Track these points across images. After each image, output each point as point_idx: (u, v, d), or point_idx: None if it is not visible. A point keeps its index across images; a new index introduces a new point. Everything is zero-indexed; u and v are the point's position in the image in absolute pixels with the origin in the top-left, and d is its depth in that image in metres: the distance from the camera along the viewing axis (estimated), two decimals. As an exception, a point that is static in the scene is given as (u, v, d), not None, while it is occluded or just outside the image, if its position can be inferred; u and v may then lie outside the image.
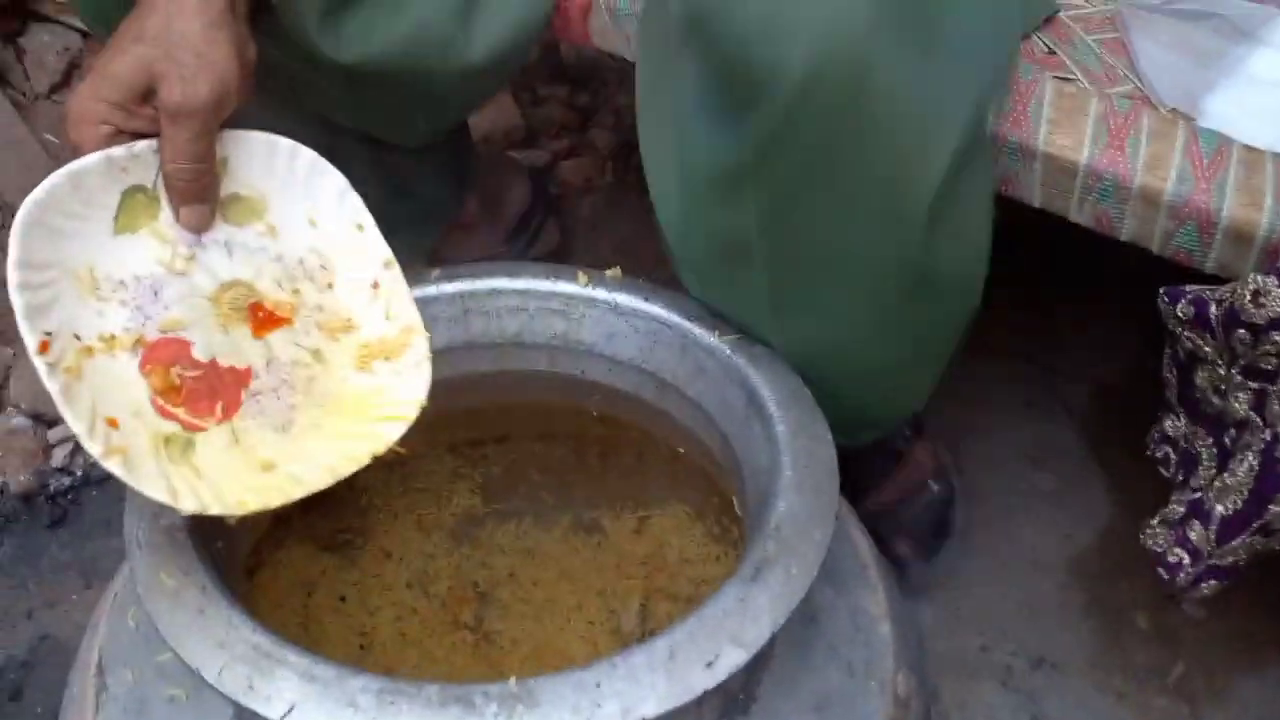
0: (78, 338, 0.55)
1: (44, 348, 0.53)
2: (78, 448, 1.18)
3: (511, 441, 0.90)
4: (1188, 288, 0.65)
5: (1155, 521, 0.72)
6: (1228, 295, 0.61)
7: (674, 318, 0.68)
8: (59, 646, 1.04)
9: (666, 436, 0.75)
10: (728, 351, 0.65)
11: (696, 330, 0.67)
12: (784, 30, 0.50)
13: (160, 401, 0.57)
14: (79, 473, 1.18)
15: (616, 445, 0.87)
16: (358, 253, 0.62)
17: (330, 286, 0.62)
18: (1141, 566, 0.99)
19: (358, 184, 0.62)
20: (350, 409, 0.60)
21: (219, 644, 0.47)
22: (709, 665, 0.47)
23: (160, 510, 0.54)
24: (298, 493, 0.56)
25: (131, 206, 0.57)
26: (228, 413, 0.58)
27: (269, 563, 0.82)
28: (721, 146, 0.56)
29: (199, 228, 0.59)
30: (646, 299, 0.69)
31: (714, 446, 0.69)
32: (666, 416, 0.73)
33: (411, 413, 0.59)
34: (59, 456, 1.17)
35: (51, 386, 0.53)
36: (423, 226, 1.04)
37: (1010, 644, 0.97)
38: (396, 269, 0.62)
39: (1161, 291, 0.67)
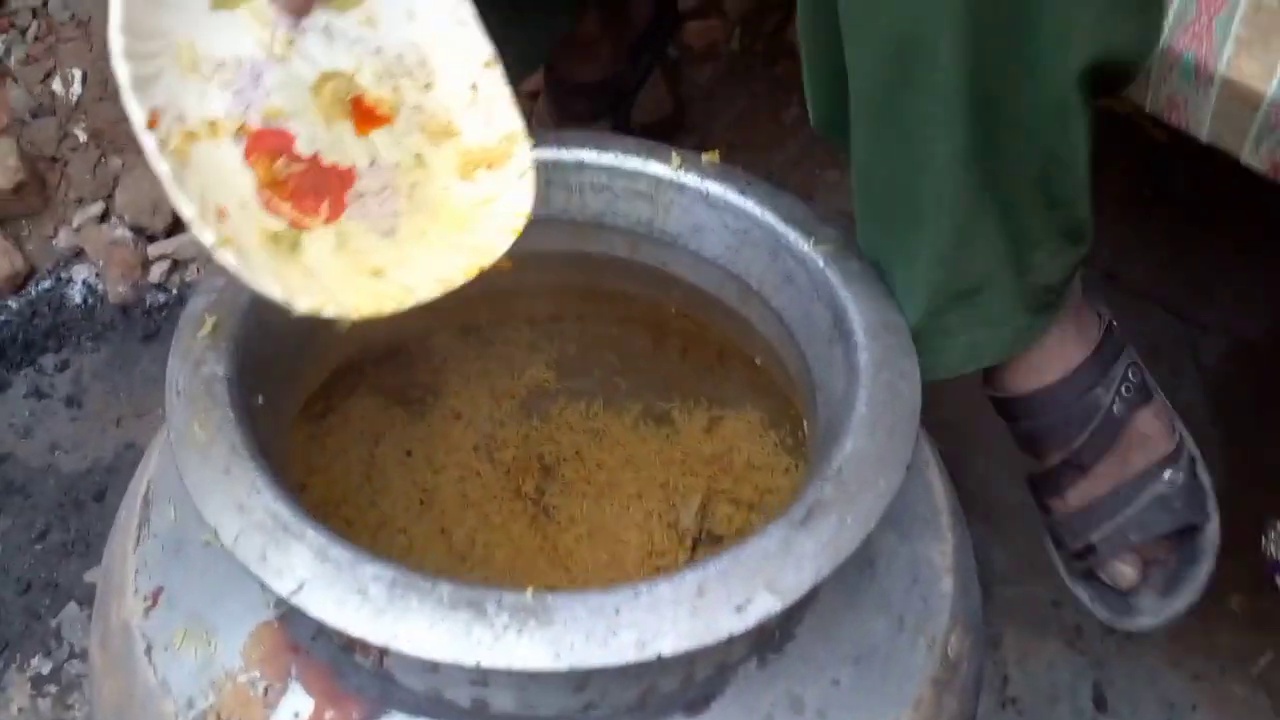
0: (182, 119, 0.51)
1: (153, 122, 0.49)
2: (175, 264, 1.20)
3: (590, 321, 0.87)
4: None
5: None
6: None
7: (767, 217, 0.63)
8: (141, 456, 1.08)
9: (745, 344, 0.70)
10: (820, 263, 0.60)
11: (791, 234, 0.62)
12: None
13: (267, 194, 0.54)
14: (174, 291, 1.19)
15: (698, 340, 0.83)
16: (457, 50, 0.58)
17: (429, 86, 0.58)
18: (1248, 544, 0.92)
19: None
20: (455, 218, 0.57)
21: (239, 507, 0.46)
22: (739, 609, 0.44)
23: (203, 356, 0.52)
24: (410, 301, 0.53)
25: None
26: (334, 212, 0.55)
27: (339, 409, 0.82)
28: None
29: (299, 10, 0.55)
30: (741, 191, 0.64)
31: (791, 364, 0.64)
32: (747, 324, 0.68)
33: (519, 224, 0.56)
34: (156, 273, 1.19)
35: (160, 168, 0.49)
36: (535, 38, 0.96)
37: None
38: (498, 70, 0.58)
39: None
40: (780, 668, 0.52)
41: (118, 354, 1.16)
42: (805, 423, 0.64)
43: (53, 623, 0.96)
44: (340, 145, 0.56)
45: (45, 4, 1.25)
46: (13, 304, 1.18)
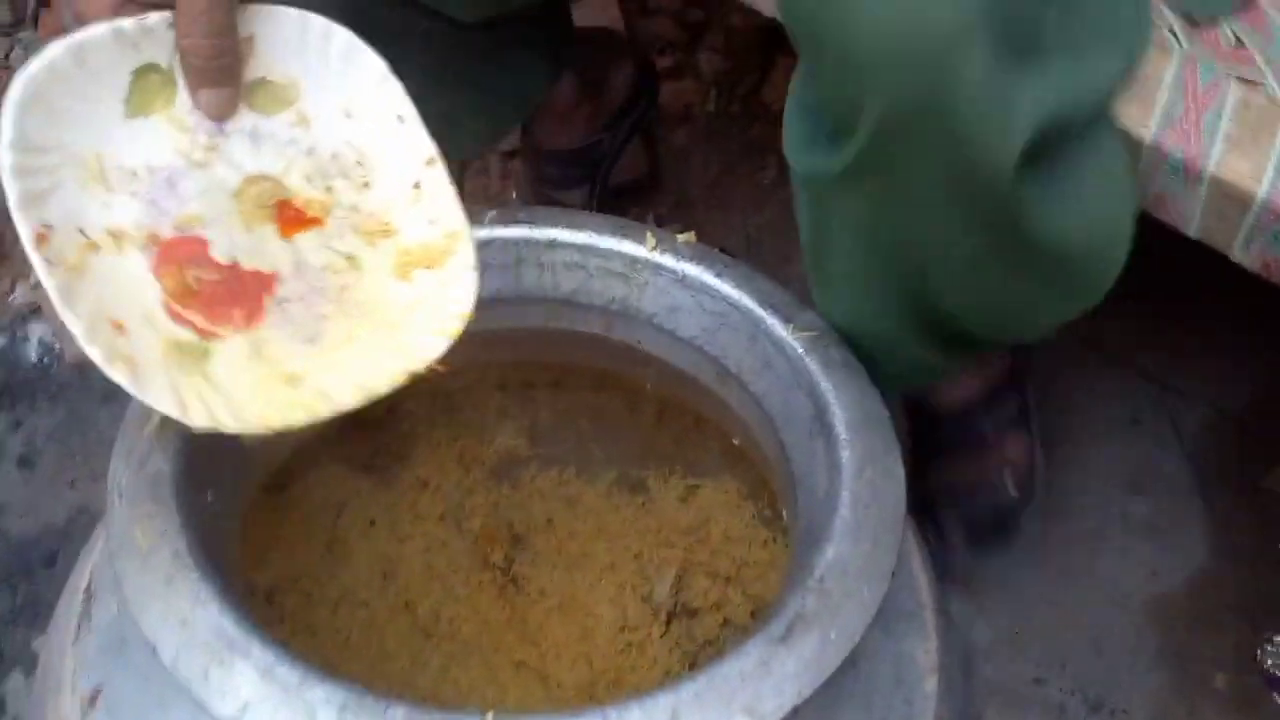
0: (82, 232, 0.49)
1: (41, 240, 0.47)
2: (136, 324, 1.17)
3: (564, 388, 0.85)
4: None
5: (1277, 639, 0.63)
6: None
7: (745, 300, 0.61)
8: (95, 519, 1.04)
9: (723, 424, 0.68)
10: (800, 350, 0.58)
11: (769, 319, 0.60)
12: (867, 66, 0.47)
13: (174, 306, 0.51)
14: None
15: (674, 408, 0.81)
16: (398, 148, 0.55)
17: (367, 185, 0.56)
18: (1230, 621, 0.91)
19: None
20: (388, 321, 0.54)
21: (181, 622, 0.43)
22: (714, 736, 0.41)
23: (149, 454, 0.49)
24: (325, 411, 0.51)
25: (144, 88, 0.51)
26: (250, 320, 0.53)
27: (300, 479, 0.79)
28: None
29: (221, 115, 0.52)
30: (718, 274, 0.62)
31: (770, 451, 0.62)
32: (725, 405, 0.66)
33: (456, 327, 0.53)
34: (117, 330, 1.16)
35: (49, 283, 0.47)
36: (506, 108, 0.95)
37: (1069, 681, 0.90)
38: (440, 167, 0.55)
39: None
40: (758, 781, 0.49)
41: (73, 415, 1.13)
42: (784, 511, 0.62)
43: (-3, 693, 0.93)
44: (261, 250, 0.54)
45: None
46: (-34, 361, 1.15)
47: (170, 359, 0.50)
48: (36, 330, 1.16)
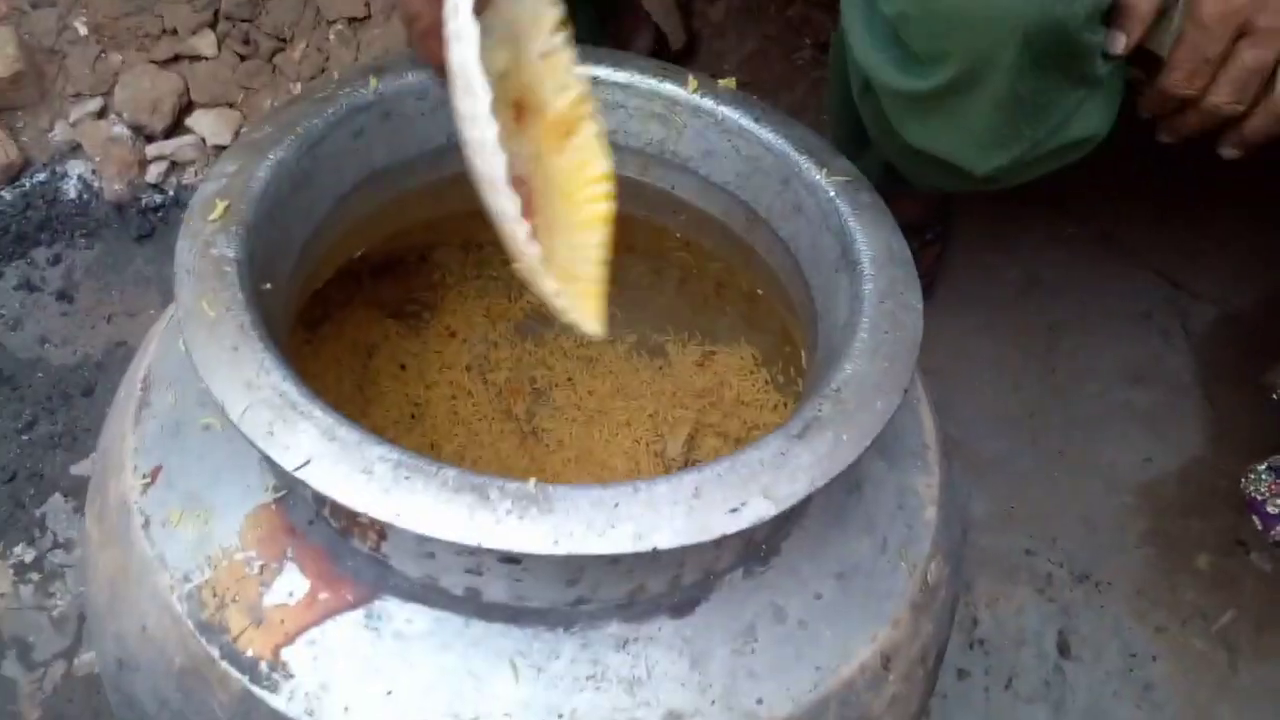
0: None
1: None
2: (173, 166, 1.19)
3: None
4: None
5: (1261, 467, 0.67)
6: None
7: (781, 144, 0.63)
8: (132, 354, 1.07)
9: (747, 274, 0.71)
10: (831, 193, 0.60)
11: (804, 163, 0.62)
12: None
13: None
14: (171, 192, 1.19)
15: (696, 275, 0.83)
16: (534, 20, 0.57)
17: (520, 63, 0.58)
18: (1217, 508, 0.94)
19: None
20: (565, 197, 0.57)
21: (247, 384, 0.46)
22: (733, 511, 0.45)
23: (213, 239, 0.52)
24: (603, 289, 0.55)
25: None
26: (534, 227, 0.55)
27: (334, 319, 0.82)
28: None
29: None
30: (756, 119, 0.64)
31: (794, 293, 0.64)
32: (751, 253, 0.68)
33: (610, 185, 0.56)
34: (154, 173, 1.18)
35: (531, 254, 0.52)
36: None
37: (1057, 554, 0.94)
38: (565, 33, 0.57)
39: None
40: (765, 579, 0.53)
41: (111, 252, 1.15)
42: (803, 352, 0.65)
43: (37, 513, 0.97)
44: (521, 156, 0.56)
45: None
46: (6, 195, 1.17)
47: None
48: (76, 168, 1.18)
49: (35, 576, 0.93)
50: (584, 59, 0.67)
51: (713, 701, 0.50)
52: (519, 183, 0.54)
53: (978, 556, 0.93)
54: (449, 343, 0.88)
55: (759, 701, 0.51)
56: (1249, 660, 0.90)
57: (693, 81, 0.65)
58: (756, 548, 0.54)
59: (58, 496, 0.98)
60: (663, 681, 0.50)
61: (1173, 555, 0.94)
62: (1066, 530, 0.95)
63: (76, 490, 0.99)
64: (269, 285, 0.54)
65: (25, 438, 1.02)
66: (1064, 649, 0.90)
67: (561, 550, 0.43)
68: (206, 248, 0.51)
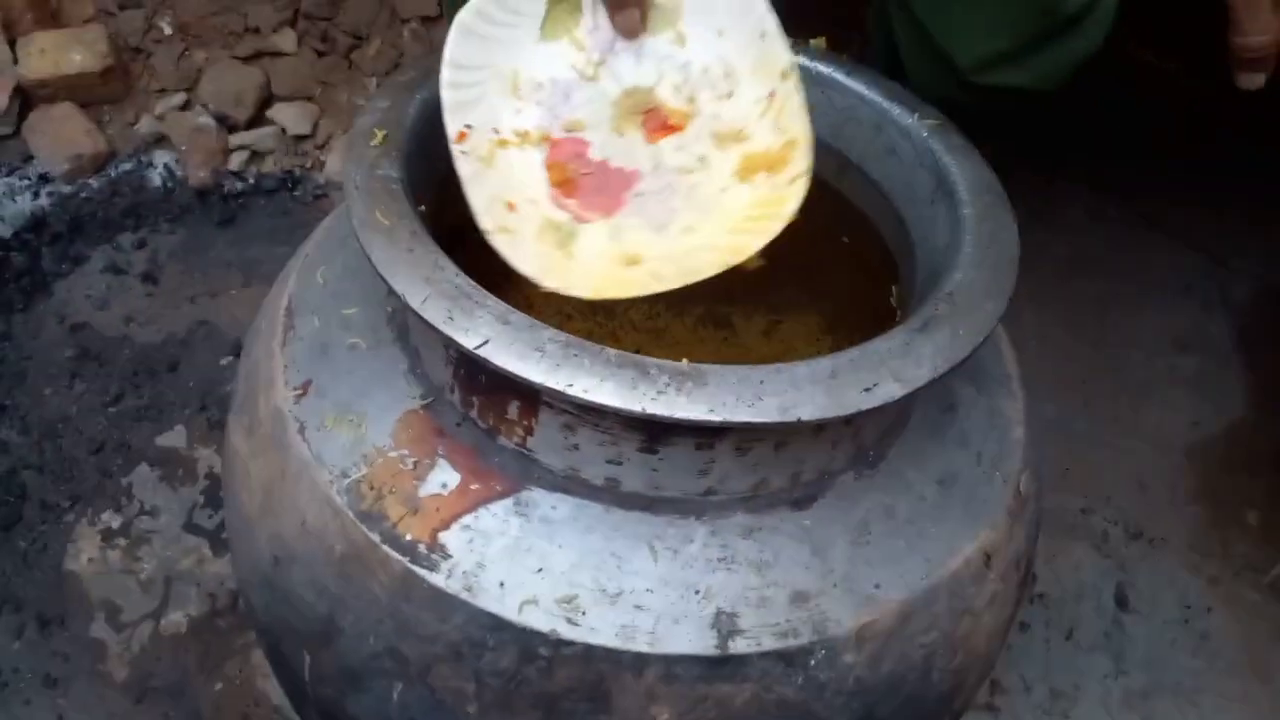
0: (496, 131, 0.61)
1: (461, 138, 0.59)
2: (254, 155, 1.25)
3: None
4: None
5: None
6: None
7: (874, 95, 0.68)
8: (214, 332, 1.13)
9: (833, 222, 0.76)
10: (924, 134, 0.65)
11: (895, 110, 0.67)
12: None
13: (557, 194, 0.62)
14: (252, 180, 1.24)
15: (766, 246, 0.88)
16: (759, 61, 0.63)
17: (729, 96, 0.64)
18: (1262, 467, 0.99)
19: None
20: (725, 217, 0.62)
21: (425, 279, 0.51)
22: (867, 390, 0.49)
23: (377, 161, 0.57)
24: (653, 288, 0.59)
25: (557, 15, 0.62)
26: (612, 208, 0.62)
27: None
28: None
29: (631, 32, 0.62)
30: (848, 73, 0.69)
31: (887, 231, 0.69)
32: (840, 198, 0.73)
33: (778, 227, 0.60)
34: (236, 161, 1.24)
35: (463, 169, 0.59)
36: None
37: (1112, 512, 0.98)
38: (794, 79, 0.62)
39: None
40: (874, 482, 0.58)
41: (193, 237, 1.21)
42: (893, 287, 0.70)
43: (124, 481, 1.01)
44: (630, 152, 0.63)
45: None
46: (94, 183, 1.23)
47: (545, 235, 0.60)
48: (161, 157, 1.24)
49: (122, 542, 0.97)
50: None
51: (834, 584, 0.54)
52: (603, 164, 0.62)
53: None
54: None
55: (877, 586, 0.55)
56: (1300, 611, 0.94)
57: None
58: (865, 453, 0.59)
59: (144, 466, 1.02)
60: (788, 566, 0.54)
61: (1222, 512, 0.98)
62: (1120, 490, 0.99)
63: (162, 460, 1.03)
64: (424, 208, 0.59)
65: (112, 410, 1.07)
66: (1122, 602, 0.94)
67: (716, 418, 0.47)
68: (372, 168, 0.57)
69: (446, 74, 0.59)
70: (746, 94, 0.63)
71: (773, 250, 0.88)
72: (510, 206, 0.59)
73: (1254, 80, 0.69)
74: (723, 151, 0.63)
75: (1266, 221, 1.12)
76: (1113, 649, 0.91)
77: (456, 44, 0.60)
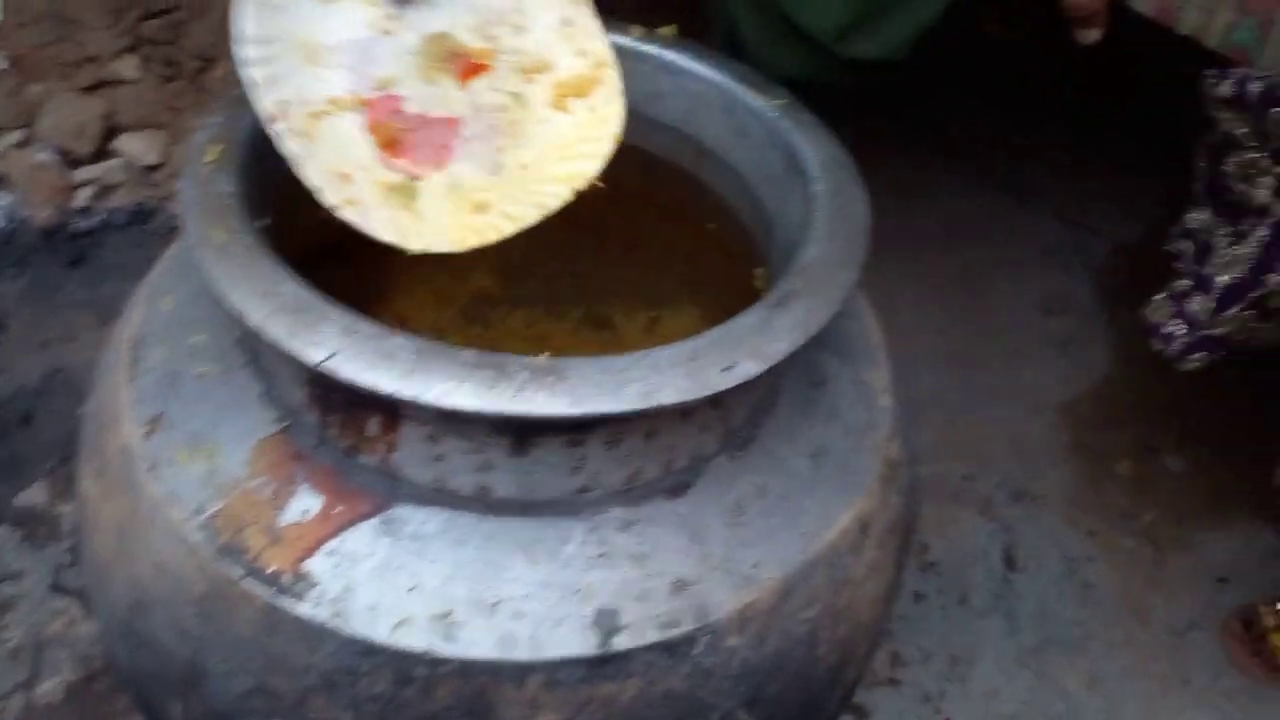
0: (306, 103, 0.58)
1: (277, 117, 0.56)
2: (102, 190, 1.19)
3: (534, 227, 0.91)
4: (1232, 69, 0.66)
5: (1160, 296, 0.75)
6: (1269, 75, 0.63)
7: (724, 79, 0.68)
8: (70, 379, 1.07)
9: (696, 209, 0.76)
10: (774, 115, 0.66)
11: (745, 93, 0.67)
12: None
13: (386, 155, 0.60)
14: (101, 215, 1.19)
15: (638, 241, 0.87)
16: None
17: (522, 29, 0.63)
18: (1131, 419, 1.03)
19: None
20: (552, 148, 0.62)
21: (264, 294, 0.49)
22: (726, 369, 0.49)
23: (212, 178, 0.55)
24: (510, 229, 0.59)
25: None
26: (442, 159, 0.61)
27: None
28: None
29: None
30: (698, 58, 0.69)
31: (745, 213, 0.69)
32: (700, 186, 0.73)
33: (608, 148, 0.61)
34: (83, 196, 1.18)
35: (289, 149, 0.56)
36: None
37: (994, 475, 1.01)
38: (585, 4, 0.63)
39: (1206, 72, 0.69)
40: (747, 462, 0.58)
41: (41, 279, 1.15)
42: (758, 269, 0.70)
43: (-17, 543, 0.95)
44: (445, 99, 0.62)
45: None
46: (-71, 230, 1.16)
47: (389, 198, 0.59)
48: (1, 199, 1.18)
49: (-14, 609, 0.92)
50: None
51: (714, 569, 0.54)
52: (422, 117, 0.61)
53: (923, 486, 0.99)
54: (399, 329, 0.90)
55: (754, 566, 0.55)
56: (1173, 552, 0.97)
57: (635, 29, 0.70)
58: (736, 434, 0.58)
59: (2, 527, 0.97)
60: (667, 555, 0.54)
61: (1096, 465, 1.02)
62: (1000, 453, 1.02)
63: (22, 519, 0.98)
64: (265, 221, 0.56)
65: (-34, 469, 1.01)
66: (1010, 562, 0.96)
67: (579, 410, 0.47)
68: (208, 185, 0.54)
69: (247, 51, 0.56)
70: (540, 22, 0.63)
71: (645, 244, 0.89)
72: (345, 178, 0.57)
73: (1089, 35, 0.72)
74: (532, 84, 0.63)
75: (1119, 183, 1.17)
76: (1004, 609, 0.94)
77: (251, 18, 0.57)
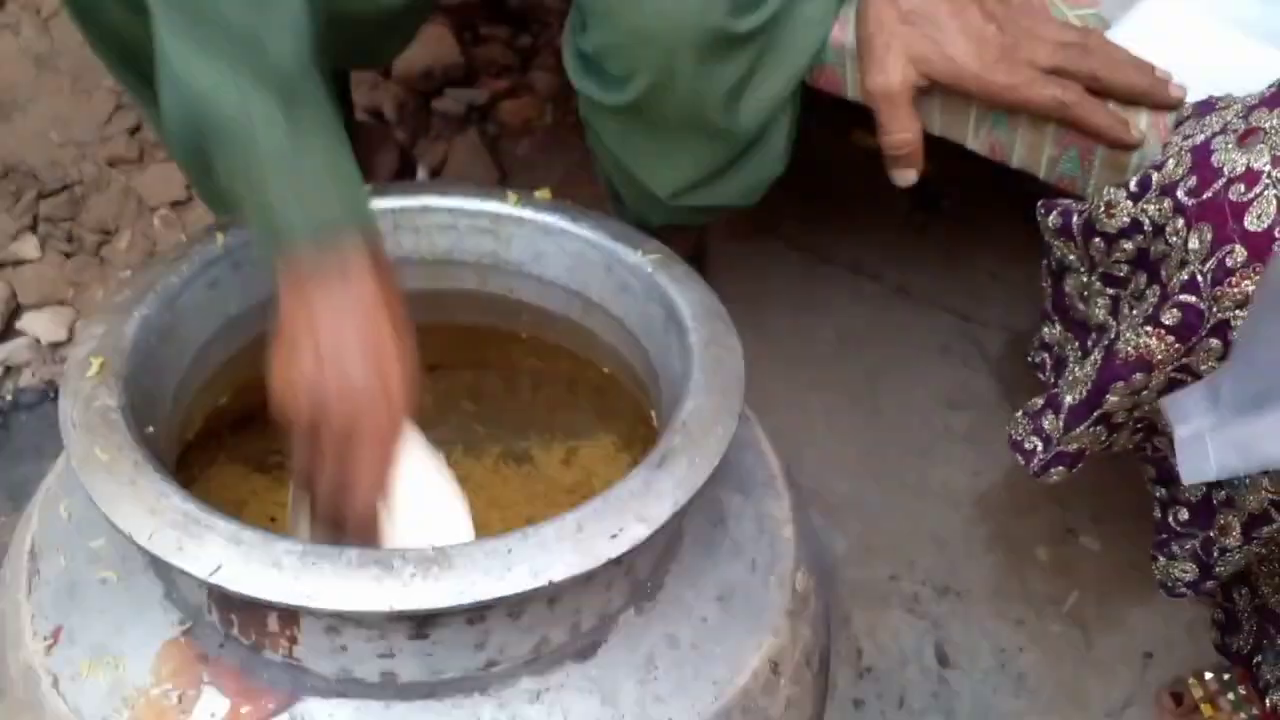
0: None
1: None
2: (8, 371, 1.18)
3: (443, 370, 0.92)
4: (1059, 201, 0.70)
5: (1019, 414, 0.78)
6: (1086, 207, 0.67)
7: (600, 238, 0.71)
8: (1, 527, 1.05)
9: (593, 356, 0.78)
10: (649, 270, 0.69)
11: (621, 249, 0.70)
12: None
13: None
14: (8, 397, 1.18)
15: (547, 377, 0.89)
16: None
17: None
18: (1044, 503, 1.05)
19: None
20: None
21: (150, 510, 0.50)
22: (613, 537, 0.51)
23: (94, 393, 0.56)
24: None
25: None
26: None
27: (200, 479, 0.83)
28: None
29: None
30: (574, 219, 0.72)
31: (636, 362, 0.72)
32: (592, 336, 0.76)
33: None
34: (-12, 380, 1.17)
35: None
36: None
37: (918, 574, 1.02)
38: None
39: (1039, 204, 0.73)
40: (655, 613, 0.59)
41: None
42: (653, 411, 0.72)
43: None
44: None
45: None
46: None
47: None
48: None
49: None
50: (412, 191, 0.75)
51: (628, 729, 0.55)
52: None
53: (849, 591, 1.01)
54: (318, 488, 0.91)
55: (670, 720, 0.56)
56: (1099, 632, 0.99)
57: (512, 196, 0.73)
58: (642, 585, 0.60)
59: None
60: (580, 720, 0.54)
61: (1016, 553, 1.04)
62: (921, 550, 1.04)
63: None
64: (151, 429, 0.57)
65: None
66: (943, 659, 0.97)
67: (468, 599, 0.47)
68: (89, 401, 0.55)
69: None
70: None
71: (553, 382, 0.91)
72: None
73: (905, 177, 0.76)
74: None
75: (1006, 274, 1.22)
76: (942, 707, 0.94)
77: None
